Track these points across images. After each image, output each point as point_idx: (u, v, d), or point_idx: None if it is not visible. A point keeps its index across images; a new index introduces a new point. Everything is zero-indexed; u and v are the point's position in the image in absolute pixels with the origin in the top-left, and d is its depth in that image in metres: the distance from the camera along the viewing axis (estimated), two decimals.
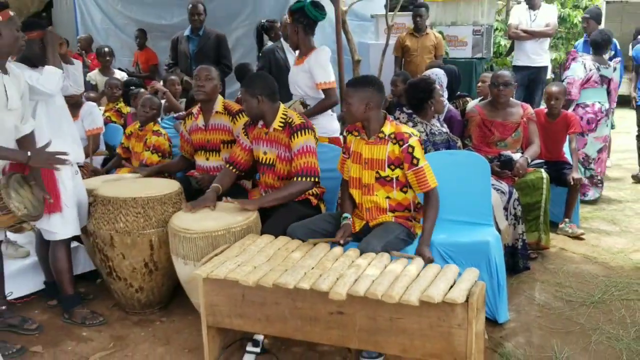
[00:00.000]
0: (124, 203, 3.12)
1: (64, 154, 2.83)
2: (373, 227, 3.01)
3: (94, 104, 4.65)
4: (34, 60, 3.07)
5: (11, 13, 2.77)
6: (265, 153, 3.33)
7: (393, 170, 2.94)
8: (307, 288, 2.38)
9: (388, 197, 2.99)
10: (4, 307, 3.18)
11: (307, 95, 3.96)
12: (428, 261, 2.68)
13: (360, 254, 2.67)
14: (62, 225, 3.12)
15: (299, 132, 3.20)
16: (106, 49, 6.52)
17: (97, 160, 4.66)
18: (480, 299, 2.30)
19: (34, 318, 3.27)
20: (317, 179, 3.20)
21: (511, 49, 7.20)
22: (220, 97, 3.80)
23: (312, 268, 2.53)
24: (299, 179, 3.17)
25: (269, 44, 6.83)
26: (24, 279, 3.47)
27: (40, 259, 3.44)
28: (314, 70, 3.83)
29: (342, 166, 3.20)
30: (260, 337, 2.87)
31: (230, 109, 3.74)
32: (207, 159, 3.81)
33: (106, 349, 3.01)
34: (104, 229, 3.14)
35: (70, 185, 3.16)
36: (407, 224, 3.00)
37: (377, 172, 2.96)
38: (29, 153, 2.77)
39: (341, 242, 2.87)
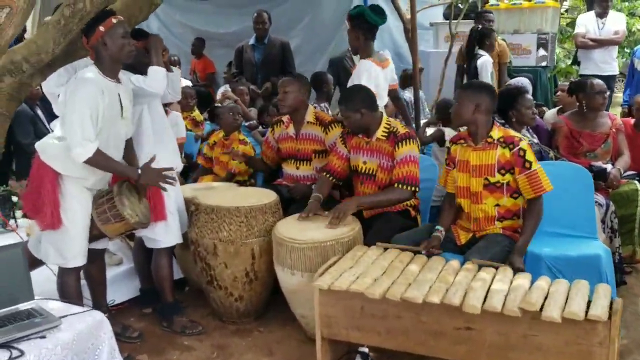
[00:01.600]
0: (228, 212, 3.12)
1: (171, 169, 2.87)
2: (479, 239, 2.96)
3: (179, 113, 4.68)
4: (139, 67, 3.09)
5: (114, 20, 2.71)
6: (365, 162, 3.31)
7: (503, 175, 2.89)
8: (438, 302, 2.33)
9: (497, 205, 2.94)
10: (106, 315, 3.19)
11: None
12: (517, 271, 2.62)
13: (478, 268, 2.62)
14: (165, 234, 3.13)
15: (404, 142, 3.17)
16: (175, 58, 6.57)
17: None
18: (620, 317, 2.23)
19: (132, 326, 3.29)
20: (417, 189, 3.16)
21: (575, 57, 7.07)
22: (311, 107, 3.79)
23: (435, 281, 2.49)
24: (400, 186, 3.14)
25: None
26: (119, 286, 3.47)
27: (137, 265, 3.46)
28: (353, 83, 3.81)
29: (445, 179, 3.16)
30: (366, 350, 2.83)
31: (322, 119, 3.74)
32: (298, 168, 3.80)
33: (210, 359, 3.00)
34: (208, 237, 3.14)
35: (173, 193, 3.17)
36: (513, 235, 2.94)
37: (486, 179, 2.91)
38: (139, 170, 2.79)
39: (423, 252, 2.83)
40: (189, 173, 4.66)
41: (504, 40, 6.69)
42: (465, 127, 3.10)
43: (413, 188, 3.14)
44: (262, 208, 3.18)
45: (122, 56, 2.77)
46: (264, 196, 3.32)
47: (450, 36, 6.48)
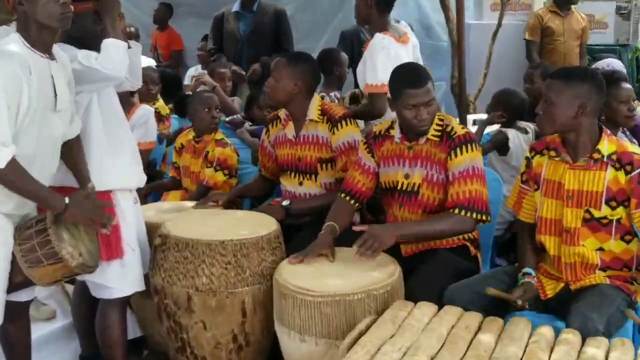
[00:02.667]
0: (208, 249, 2.76)
1: (108, 206, 2.62)
2: (576, 292, 2.61)
3: (151, 108, 4.33)
4: (87, 40, 2.73)
5: None
6: (406, 176, 2.95)
7: (614, 208, 2.54)
8: None
9: (601, 249, 2.59)
10: None
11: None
12: None
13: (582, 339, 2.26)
14: (120, 278, 2.79)
15: (464, 147, 2.82)
16: (132, 29, 6.21)
17: None
18: None
19: None
20: (485, 218, 2.80)
21: None
22: (316, 99, 3.44)
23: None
24: (459, 212, 2.77)
25: None
26: (50, 352, 3.17)
27: (76, 322, 3.15)
28: (366, 65, 3.63)
29: (519, 202, 2.81)
30: None
31: (331, 114, 3.37)
32: (301, 184, 3.45)
33: None
34: (179, 284, 2.78)
35: (132, 218, 2.83)
36: (627, 288, 2.59)
37: (588, 211, 2.57)
38: (66, 200, 2.44)
39: (519, 303, 2.52)
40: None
41: None
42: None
43: (479, 216, 2.78)
44: (258, 242, 2.83)
45: (51, 21, 2.41)
46: (260, 224, 2.98)
47: (501, 4, 6.17)
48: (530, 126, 4.13)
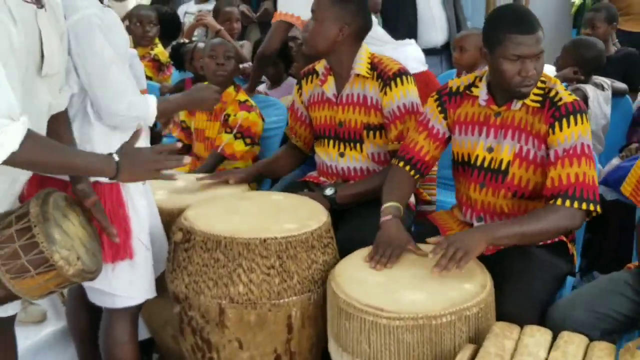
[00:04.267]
0: (246, 249, 2.18)
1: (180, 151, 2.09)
2: None
3: (133, 51, 3.67)
4: None
5: None
6: (490, 150, 2.38)
7: None
8: None
9: None
10: None
11: None
12: None
13: None
14: (129, 282, 2.25)
15: (572, 118, 2.24)
16: None
17: None
18: None
19: None
20: (596, 208, 2.23)
21: None
22: (365, 49, 2.83)
23: None
24: (565, 202, 2.20)
25: None
26: None
27: (74, 331, 2.62)
28: None
29: (636, 188, 2.26)
30: None
31: (382, 68, 2.77)
32: (342, 155, 2.87)
33: None
34: (209, 294, 2.21)
35: (144, 207, 2.28)
36: None
37: None
38: (115, 158, 1.85)
39: None
40: None
41: None
42: None
43: (590, 206, 2.20)
44: (307, 240, 2.25)
45: None
46: (306, 213, 2.41)
47: None
48: (607, 82, 3.58)
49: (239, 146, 3.25)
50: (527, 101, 2.31)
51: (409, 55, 3.58)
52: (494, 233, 2.17)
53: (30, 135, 1.68)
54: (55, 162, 1.81)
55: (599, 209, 2.22)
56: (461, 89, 2.47)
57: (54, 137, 1.96)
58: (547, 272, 2.29)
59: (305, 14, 3.08)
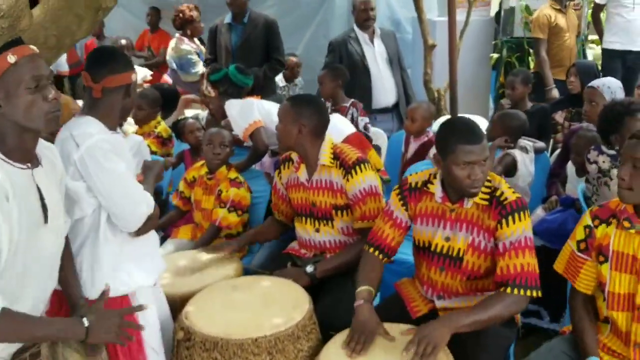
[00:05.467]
0: (240, 349, 1.91)
1: (130, 312, 1.73)
2: None
3: (140, 138, 3.32)
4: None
5: (11, 58, 1.43)
6: (447, 239, 2.13)
7: None
8: None
9: None
10: None
11: None
12: None
13: None
14: None
15: (516, 215, 2.01)
16: (123, 42, 5.05)
17: None
18: None
19: None
20: (537, 294, 2.00)
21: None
22: (328, 141, 2.56)
23: None
24: (513, 290, 1.96)
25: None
26: None
27: None
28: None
29: (575, 270, 2.02)
30: None
31: (343, 158, 2.51)
32: (318, 231, 2.60)
33: None
34: None
35: (154, 314, 1.99)
36: None
37: None
38: (85, 321, 1.56)
39: None
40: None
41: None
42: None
43: (532, 292, 1.98)
44: (293, 333, 1.98)
45: (37, 123, 1.50)
46: (291, 302, 2.12)
47: (468, 3, 5.22)
48: (529, 144, 3.32)
49: (232, 218, 2.96)
50: (477, 199, 2.07)
51: (337, 122, 3.33)
52: (456, 324, 1.92)
53: (6, 312, 1.40)
54: (27, 337, 1.52)
55: (540, 293, 1.99)
56: (419, 185, 2.22)
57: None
58: (496, 344, 2.07)
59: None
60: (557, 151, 3.68)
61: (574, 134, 3.46)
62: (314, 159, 2.54)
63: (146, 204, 1.91)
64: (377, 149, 3.98)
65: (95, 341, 1.57)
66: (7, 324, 1.41)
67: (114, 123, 1.92)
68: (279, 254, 2.75)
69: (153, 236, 2.06)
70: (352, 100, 3.92)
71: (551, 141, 4.32)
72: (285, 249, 2.75)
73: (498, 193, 2.05)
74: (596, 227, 1.95)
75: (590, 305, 2.02)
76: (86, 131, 1.81)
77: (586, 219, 1.98)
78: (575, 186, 3.26)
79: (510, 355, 2.25)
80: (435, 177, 2.18)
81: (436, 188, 2.14)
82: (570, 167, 3.37)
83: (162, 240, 3.26)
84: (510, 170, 3.12)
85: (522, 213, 2.01)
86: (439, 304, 2.21)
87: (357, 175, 2.46)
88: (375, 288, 2.18)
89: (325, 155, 2.53)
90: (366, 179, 2.47)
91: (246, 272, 2.59)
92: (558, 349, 2.01)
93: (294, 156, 2.65)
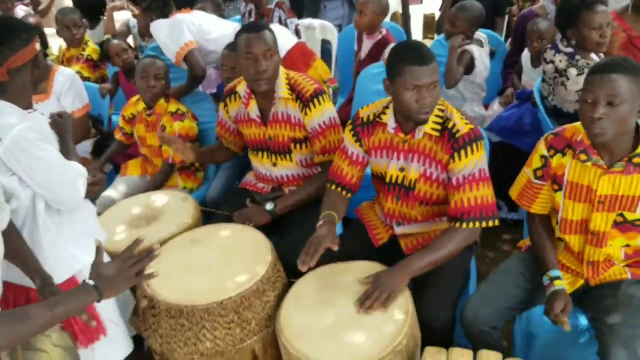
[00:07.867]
0: (206, 313, 1.92)
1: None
2: (594, 288, 1.99)
3: (70, 70, 3.03)
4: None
5: None
6: (401, 169, 2.10)
7: None
8: None
9: (627, 245, 1.93)
10: None
11: None
12: None
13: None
14: (112, 350, 2.00)
15: (469, 148, 1.96)
16: None
17: (86, 147, 3.21)
18: None
19: None
20: (494, 222, 2.02)
21: None
22: (282, 71, 2.39)
23: None
24: (468, 225, 1.98)
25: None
26: None
27: None
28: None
29: (531, 196, 2.05)
30: None
31: (300, 91, 2.37)
32: (275, 165, 2.53)
33: None
34: (181, 352, 1.97)
35: None
36: None
37: (622, 215, 1.86)
38: (90, 282, 1.46)
39: (567, 328, 1.82)
40: (103, 149, 3.18)
41: None
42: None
43: (488, 222, 2.00)
44: (258, 288, 1.99)
45: None
46: (253, 253, 2.10)
47: None
48: (483, 36, 3.19)
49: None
50: (428, 129, 2.00)
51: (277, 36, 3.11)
52: (411, 269, 1.94)
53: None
54: (39, 327, 1.37)
55: (497, 222, 2.01)
56: (371, 118, 2.13)
57: (7, 250, 1.60)
58: (455, 273, 2.13)
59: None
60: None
61: (524, 18, 3.32)
62: (270, 94, 2.39)
63: (80, 176, 1.81)
64: (327, 45, 3.78)
65: (112, 294, 1.50)
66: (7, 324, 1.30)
67: (28, 100, 1.75)
68: (235, 188, 2.70)
69: (89, 209, 1.97)
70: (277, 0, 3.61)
71: (506, 17, 4.18)
72: (242, 183, 2.69)
73: (450, 125, 1.98)
74: (551, 157, 1.93)
75: (548, 223, 2.07)
76: (5, 122, 1.64)
77: (541, 148, 1.96)
78: (530, 77, 3.21)
79: (471, 267, 2.34)
80: (388, 107, 2.09)
81: (389, 118, 2.06)
82: (525, 56, 3.28)
83: (112, 174, 3.16)
84: (469, 67, 3.02)
85: (475, 145, 1.95)
86: (398, 230, 2.24)
87: (315, 109, 2.35)
88: (340, 216, 2.15)
89: (282, 87, 2.37)
90: (325, 112, 2.36)
91: (205, 215, 2.55)
92: (515, 270, 2.09)
93: (240, 88, 2.49)
